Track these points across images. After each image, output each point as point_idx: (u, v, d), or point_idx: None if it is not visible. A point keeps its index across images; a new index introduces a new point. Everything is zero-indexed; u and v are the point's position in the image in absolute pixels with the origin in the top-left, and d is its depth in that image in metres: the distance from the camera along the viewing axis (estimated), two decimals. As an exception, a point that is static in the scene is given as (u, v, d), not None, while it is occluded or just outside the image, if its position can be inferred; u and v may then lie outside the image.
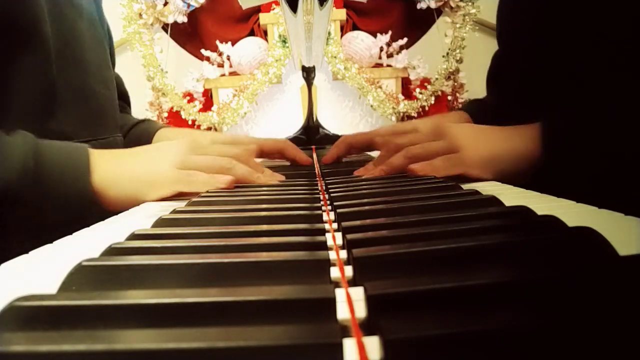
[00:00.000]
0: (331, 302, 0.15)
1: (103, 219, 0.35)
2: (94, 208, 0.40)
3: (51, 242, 0.27)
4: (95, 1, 0.62)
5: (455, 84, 1.93)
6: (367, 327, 0.15)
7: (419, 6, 1.94)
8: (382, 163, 0.48)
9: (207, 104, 1.95)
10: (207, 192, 0.42)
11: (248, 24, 1.95)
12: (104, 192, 0.41)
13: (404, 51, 1.92)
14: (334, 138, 1.06)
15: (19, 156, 0.37)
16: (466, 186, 0.36)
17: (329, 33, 1.83)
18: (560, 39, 0.50)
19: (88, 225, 0.33)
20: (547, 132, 0.44)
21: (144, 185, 0.42)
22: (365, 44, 1.90)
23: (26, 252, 0.25)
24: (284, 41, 1.85)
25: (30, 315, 0.15)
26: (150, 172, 0.43)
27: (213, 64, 1.93)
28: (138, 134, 0.72)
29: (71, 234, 0.30)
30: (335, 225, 0.28)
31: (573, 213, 0.27)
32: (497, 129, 0.48)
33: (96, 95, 0.57)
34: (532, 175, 0.44)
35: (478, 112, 0.70)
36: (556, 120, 0.44)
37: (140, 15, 1.87)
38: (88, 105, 0.55)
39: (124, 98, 0.82)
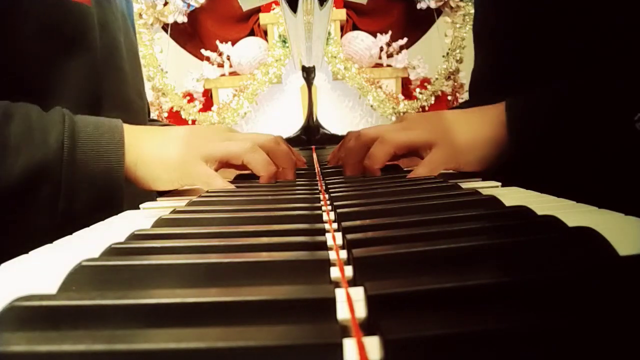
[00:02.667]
0: (331, 302, 0.15)
1: (108, 217, 0.35)
2: (123, 187, 0.41)
3: (51, 242, 0.27)
4: (128, 9, 0.62)
5: (455, 84, 1.93)
6: (367, 327, 0.15)
7: (419, 6, 1.95)
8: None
9: (207, 104, 1.95)
10: (207, 192, 0.42)
11: (248, 24, 1.95)
12: (132, 171, 0.42)
13: (404, 51, 1.92)
14: (334, 138, 1.06)
15: (57, 134, 0.37)
16: (466, 186, 0.36)
17: (329, 33, 1.83)
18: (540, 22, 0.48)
19: (116, 210, 0.35)
20: (510, 112, 0.42)
21: (173, 171, 0.42)
22: (365, 44, 1.91)
23: (26, 252, 0.25)
24: (284, 41, 1.85)
25: (30, 315, 0.15)
26: (181, 161, 0.42)
27: (213, 64, 1.93)
28: None
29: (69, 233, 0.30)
30: (335, 225, 0.28)
31: (573, 213, 0.27)
32: (463, 114, 0.45)
33: (133, 106, 0.58)
34: (503, 162, 0.42)
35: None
36: (520, 100, 0.42)
37: (140, 15, 1.87)
38: (128, 115, 0.55)
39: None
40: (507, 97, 0.45)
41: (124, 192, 0.41)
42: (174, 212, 0.32)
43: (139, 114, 0.60)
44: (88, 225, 0.33)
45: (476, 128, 0.43)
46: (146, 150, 0.42)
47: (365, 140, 0.46)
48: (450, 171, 0.48)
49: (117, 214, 0.40)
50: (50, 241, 0.27)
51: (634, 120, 0.35)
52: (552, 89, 0.41)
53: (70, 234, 0.29)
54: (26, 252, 0.25)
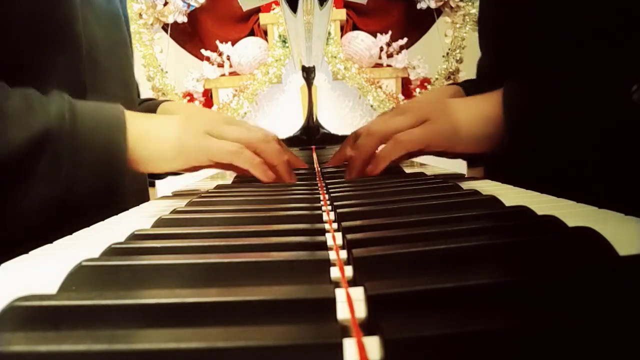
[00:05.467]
0: (331, 302, 0.15)
1: (103, 219, 0.35)
2: (125, 165, 0.40)
3: (51, 242, 0.27)
4: (119, 1, 0.61)
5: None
6: (367, 327, 0.15)
7: (419, 6, 1.95)
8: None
9: (207, 104, 1.95)
10: (207, 191, 0.42)
11: (248, 24, 1.95)
12: (134, 150, 0.41)
13: (404, 51, 1.92)
14: (334, 138, 1.06)
15: (58, 106, 0.37)
16: (466, 186, 0.36)
17: (329, 33, 1.83)
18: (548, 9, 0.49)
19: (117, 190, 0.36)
20: (507, 90, 0.44)
21: (173, 149, 0.42)
22: (365, 44, 1.91)
23: (26, 252, 0.25)
24: (284, 41, 1.85)
25: (30, 315, 0.15)
26: (180, 137, 0.43)
27: (213, 64, 1.93)
28: (143, 110, 0.72)
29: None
30: (335, 225, 0.28)
31: (573, 213, 0.27)
32: (465, 99, 0.48)
33: (115, 99, 0.57)
34: (498, 147, 0.44)
35: (472, 88, 0.70)
36: (518, 81, 0.44)
37: (140, 15, 1.88)
38: None
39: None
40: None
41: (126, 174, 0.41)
42: (174, 212, 0.32)
43: (124, 105, 0.60)
44: (87, 208, 0.32)
45: (473, 107, 0.45)
46: (144, 131, 0.42)
47: (378, 138, 0.46)
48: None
49: (118, 195, 0.40)
50: (54, 218, 0.26)
51: (631, 92, 0.35)
52: (550, 72, 0.43)
53: (72, 213, 0.28)
54: (29, 229, 0.24)
